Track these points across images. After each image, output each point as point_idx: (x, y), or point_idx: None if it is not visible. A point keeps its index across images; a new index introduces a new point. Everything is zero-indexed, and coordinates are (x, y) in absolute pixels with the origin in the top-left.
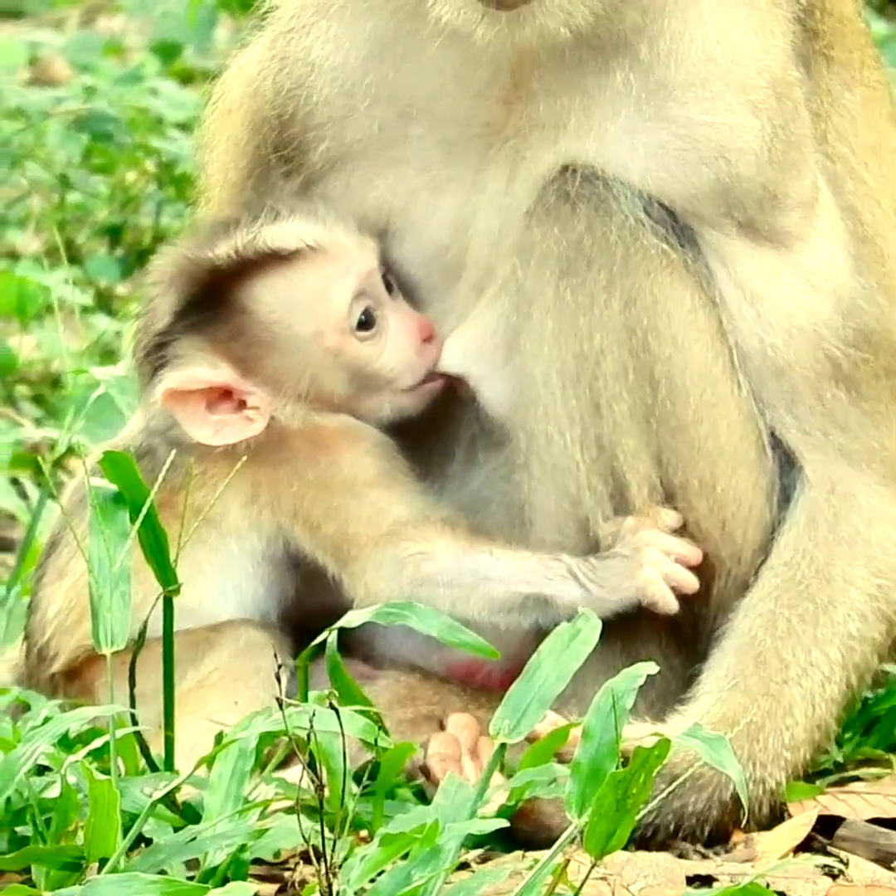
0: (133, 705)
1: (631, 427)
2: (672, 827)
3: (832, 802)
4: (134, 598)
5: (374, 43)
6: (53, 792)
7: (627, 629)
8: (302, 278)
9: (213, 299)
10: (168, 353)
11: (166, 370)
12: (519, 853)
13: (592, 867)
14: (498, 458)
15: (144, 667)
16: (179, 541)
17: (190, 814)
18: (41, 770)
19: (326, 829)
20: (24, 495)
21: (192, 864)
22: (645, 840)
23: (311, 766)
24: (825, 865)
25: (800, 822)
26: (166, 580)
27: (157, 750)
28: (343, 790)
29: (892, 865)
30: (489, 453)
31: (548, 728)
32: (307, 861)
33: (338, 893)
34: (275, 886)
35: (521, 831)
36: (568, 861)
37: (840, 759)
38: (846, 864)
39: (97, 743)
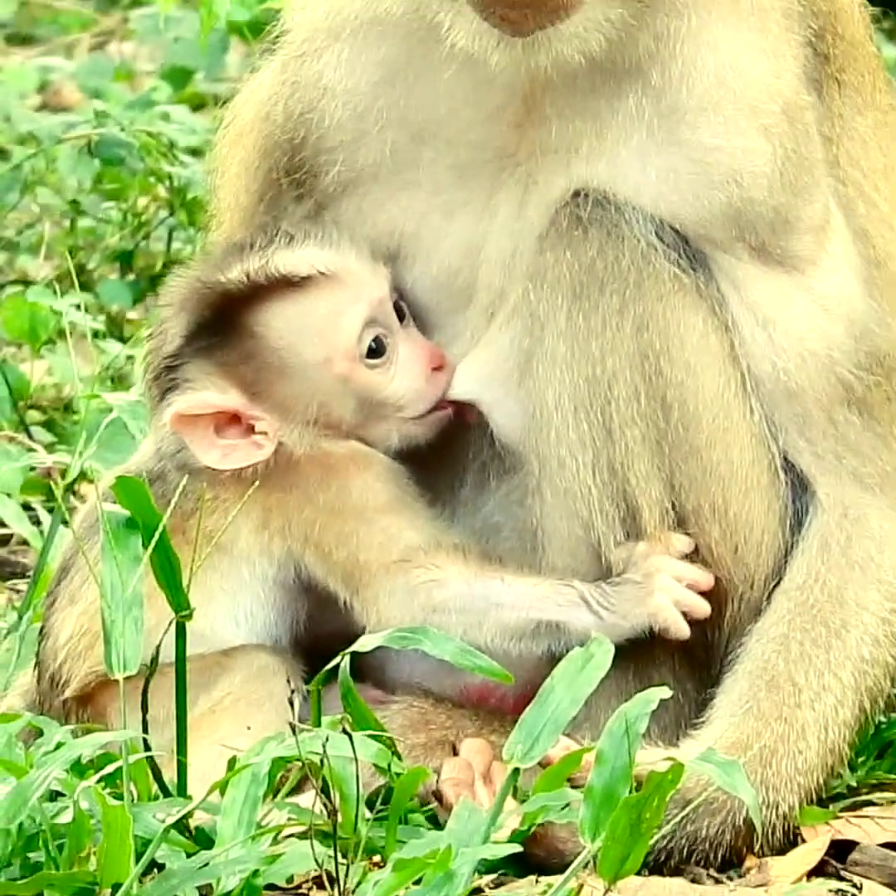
0: (146, 730)
1: (643, 451)
2: (685, 851)
3: (845, 827)
4: (146, 624)
5: (386, 67)
6: (66, 817)
7: (640, 654)
8: (312, 304)
9: (223, 323)
10: (178, 376)
11: (175, 393)
12: (532, 878)
13: (606, 892)
14: (509, 482)
15: (157, 692)
16: (192, 566)
17: (203, 839)
18: (54, 795)
19: (340, 855)
20: (36, 521)
21: (205, 889)
22: (658, 864)
23: (325, 791)
24: (839, 890)
25: (813, 847)
26: (179, 605)
27: (169, 775)
28: (356, 815)
29: None
30: (500, 478)
31: (561, 753)
32: (320, 886)
33: None
34: None
35: (535, 856)
36: (581, 886)
37: (853, 783)
38: (859, 889)
39: (110, 768)
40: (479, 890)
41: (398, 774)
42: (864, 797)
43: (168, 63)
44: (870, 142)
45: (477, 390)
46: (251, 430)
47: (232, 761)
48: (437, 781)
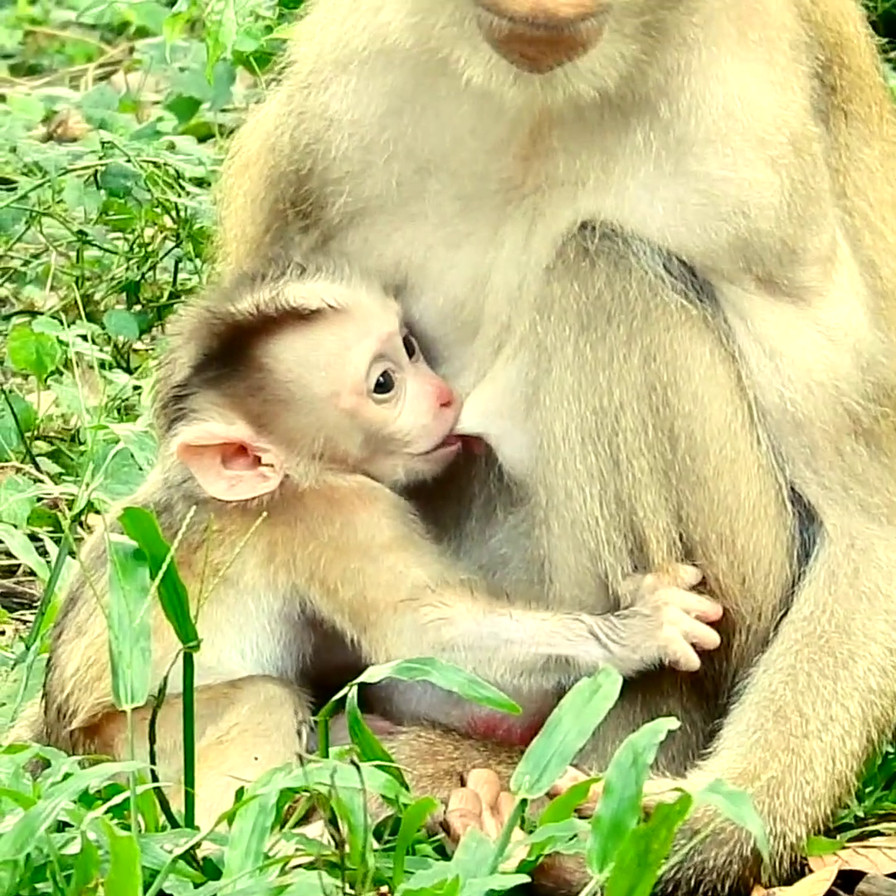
0: (153, 761)
1: (650, 482)
2: (693, 882)
3: (853, 857)
4: (153, 655)
5: (392, 98)
6: (74, 848)
7: (648, 684)
8: (321, 338)
9: (232, 354)
10: (185, 406)
11: (182, 423)
12: None
13: None
14: (517, 515)
15: (164, 723)
16: (199, 599)
17: (210, 870)
18: (61, 826)
19: (347, 885)
20: (43, 552)
21: None
22: (666, 895)
23: (332, 821)
24: None
25: (821, 877)
26: (186, 636)
27: (177, 806)
28: (364, 846)
29: None
30: (508, 510)
31: (569, 783)
32: None
33: None
34: None
35: (542, 887)
36: None
37: (861, 813)
38: None
39: (117, 799)
40: None
41: (406, 805)
42: (871, 827)
43: (174, 93)
44: (876, 172)
45: (484, 424)
46: (258, 461)
47: (239, 792)
48: (445, 812)
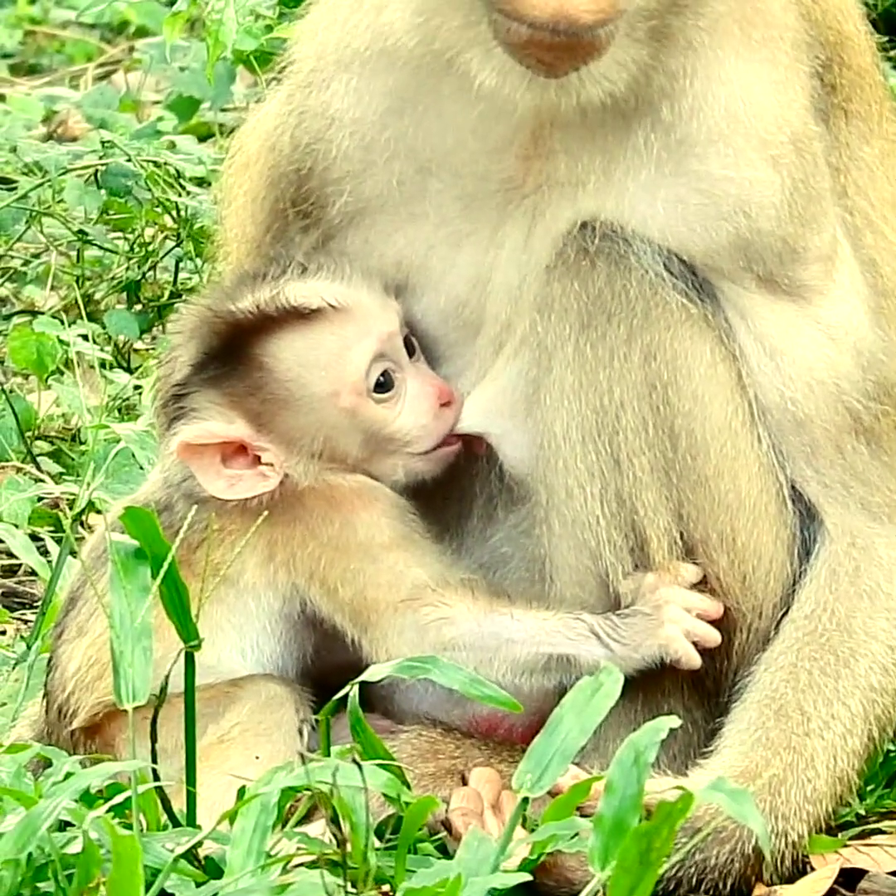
0: (154, 760)
1: (651, 481)
2: (694, 880)
3: (855, 855)
4: (154, 655)
5: (394, 97)
6: (75, 847)
7: (649, 683)
8: (321, 337)
9: (232, 353)
10: (185, 404)
11: (182, 422)
12: None
13: None
14: (518, 513)
15: (165, 722)
16: (200, 598)
17: (212, 869)
18: (63, 826)
19: (349, 884)
20: (44, 551)
21: None
22: (667, 893)
23: (334, 820)
24: None
25: (822, 875)
26: (188, 635)
27: (178, 805)
28: (366, 845)
29: None
30: (509, 509)
31: (570, 782)
32: None
33: None
34: None
35: (544, 885)
36: None
37: (862, 811)
38: None
39: (119, 798)
40: None
41: (407, 804)
42: (873, 825)
43: (174, 93)
44: (877, 171)
45: (485, 423)
46: (257, 460)
47: (241, 791)
48: (447, 811)
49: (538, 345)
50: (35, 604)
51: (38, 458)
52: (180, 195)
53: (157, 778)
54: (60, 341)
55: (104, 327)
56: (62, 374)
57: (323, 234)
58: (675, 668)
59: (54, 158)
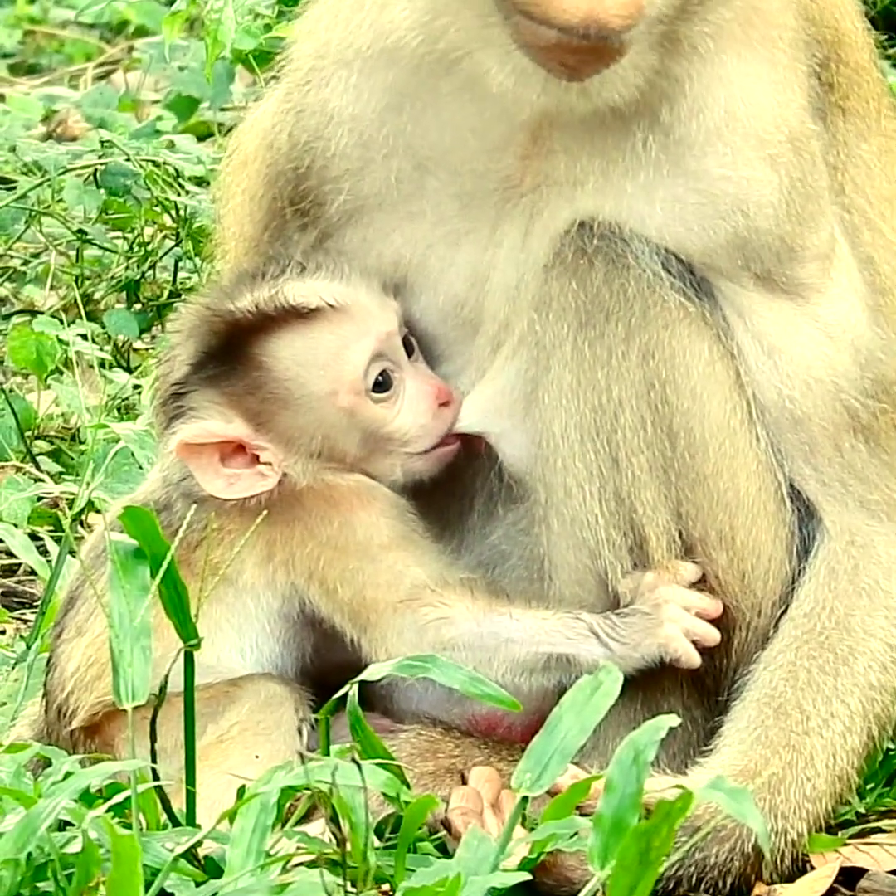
0: (154, 760)
1: (649, 480)
2: (694, 879)
3: (854, 854)
4: (153, 654)
5: (393, 93)
6: (75, 847)
7: (648, 682)
8: (319, 337)
9: (230, 352)
10: (184, 403)
11: (181, 421)
12: None
13: None
14: (517, 512)
15: (165, 722)
16: (199, 598)
17: (212, 868)
18: (63, 825)
19: (349, 883)
20: (43, 551)
21: None
22: (667, 892)
23: (334, 819)
24: None
25: (822, 874)
26: (187, 635)
27: (178, 804)
28: (365, 844)
29: None
30: (508, 507)
31: (570, 781)
32: None
33: None
34: None
35: (544, 884)
36: None
37: (862, 810)
38: None
39: (118, 798)
40: None
41: (407, 803)
42: (872, 824)
43: (173, 92)
44: (874, 168)
45: (484, 422)
46: (256, 460)
47: (240, 790)
48: (446, 810)
49: (536, 344)
50: (34, 603)
51: (38, 458)
52: (179, 194)
53: (156, 777)
54: (60, 341)
55: (103, 327)
56: (61, 373)
57: (321, 232)
58: (675, 666)
59: (53, 158)
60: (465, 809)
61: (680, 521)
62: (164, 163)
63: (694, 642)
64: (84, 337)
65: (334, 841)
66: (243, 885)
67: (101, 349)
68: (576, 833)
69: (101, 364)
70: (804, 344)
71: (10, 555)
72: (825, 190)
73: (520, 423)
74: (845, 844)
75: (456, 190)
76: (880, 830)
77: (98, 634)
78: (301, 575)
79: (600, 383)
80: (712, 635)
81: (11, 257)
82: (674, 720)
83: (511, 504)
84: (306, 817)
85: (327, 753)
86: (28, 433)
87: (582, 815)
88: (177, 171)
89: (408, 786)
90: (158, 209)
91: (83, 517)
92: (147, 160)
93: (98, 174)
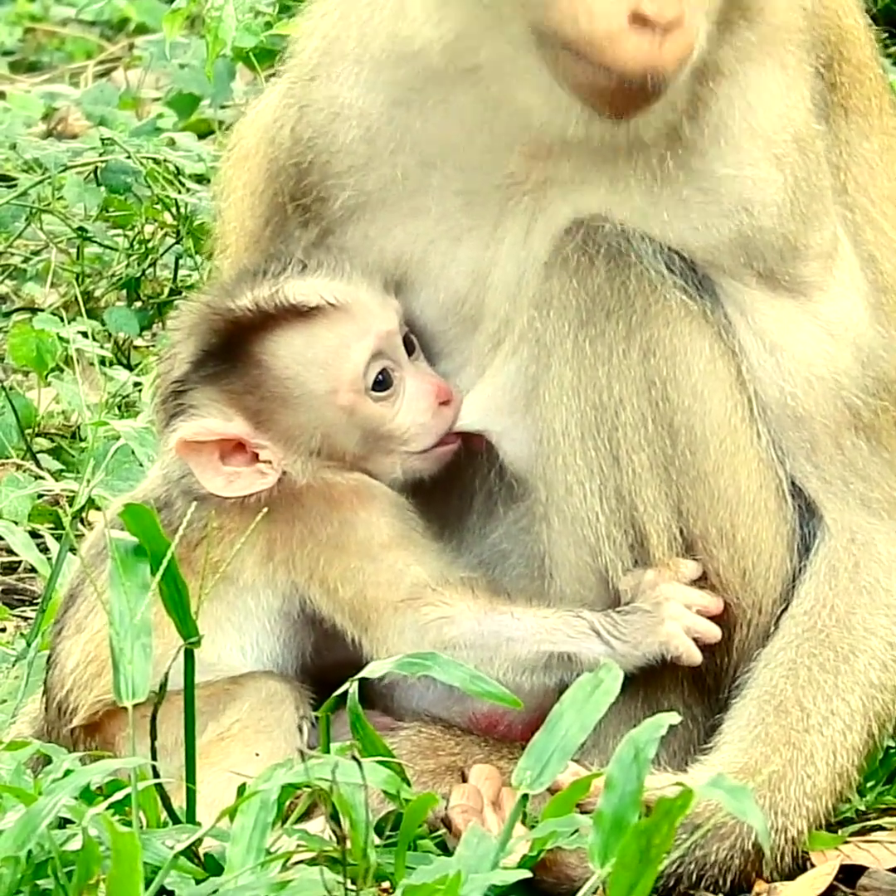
0: (154, 758)
1: (650, 477)
2: (694, 876)
3: (855, 851)
4: (153, 652)
5: (403, 90)
6: (75, 844)
7: (649, 679)
8: (319, 335)
9: (231, 350)
10: (184, 401)
11: (181, 419)
12: None
13: None
14: (517, 510)
15: (165, 719)
16: (199, 596)
17: (212, 866)
18: (63, 823)
19: (349, 881)
20: (44, 548)
21: None
22: (667, 889)
23: (334, 817)
24: None
25: (822, 872)
26: (187, 632)
27: (178, 802)
28: (365, 841)
29: None
30: (508, 505)
31: (570, 778)
32: None
33: None
34: None
35: (544, 882)
36: None
37: (862, 807)
38: None
39: (119, 795)
40: None
41: (407, 801)
42: (873, 822)
43: (174, 90)
44: (876, 167)
45: (484, 420)
46: (255, 458)
47: (241, 788)
48: (447, 808)
49: (537, 341)
50: (35, 601)
51: (38, 455)
52: (180, 192)
53: (156, 775)
54: (60, 338)
55: (104, 324)
56: (62, 371)
57: (323, 228)
58: (675, 664)
59: (54, 155)
60: (465, 807)
61: (681, 519)
62: (165, 160)
63: (695, 640)
64: (84, 334)
65: (334, 838)
66: (243, 883)
67: (102, 347)
68: (576, 831)
69: (102, 361)
70: (806, 341)
71: (11, 552)
72: (828, 189)
73: (520, 420)
74: (846, 842)
75: (460, 186)
76: (880, 828)
77: (98, 632)
78: (301, 574)
79: (601, 381)
80: (713, 633)
81: (12, 255)
82: (674, 718)
83: (511, 502)
84: (307, 815)
85: (328, 751)
86: (28, 431)
87: (582, 812)
88: (177, 168)
89: (408, 783)
90: (159, 207)
91: (83, 515)
92: (148, 158)
93: (98, 172)
